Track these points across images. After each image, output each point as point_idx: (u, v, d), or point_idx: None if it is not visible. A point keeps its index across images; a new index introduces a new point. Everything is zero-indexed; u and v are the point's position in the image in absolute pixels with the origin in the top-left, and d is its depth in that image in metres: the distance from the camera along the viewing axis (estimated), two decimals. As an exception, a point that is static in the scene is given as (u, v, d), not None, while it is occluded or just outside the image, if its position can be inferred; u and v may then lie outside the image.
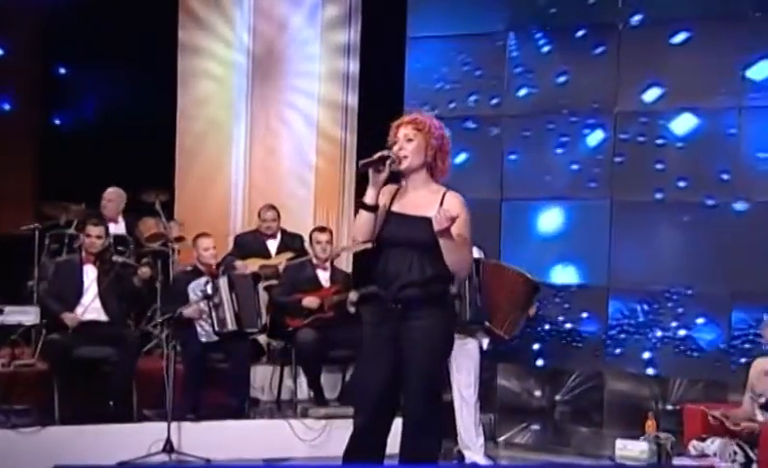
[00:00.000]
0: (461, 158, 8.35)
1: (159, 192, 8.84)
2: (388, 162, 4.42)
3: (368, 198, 4.45)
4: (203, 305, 7.19)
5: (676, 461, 5.15)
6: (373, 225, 4.47)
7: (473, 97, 8.39)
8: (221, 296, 7.27)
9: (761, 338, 6.10)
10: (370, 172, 4.44)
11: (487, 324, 6.77)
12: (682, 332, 7.65)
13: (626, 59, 7.85)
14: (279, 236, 8.59)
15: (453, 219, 4.30)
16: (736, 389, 7.30)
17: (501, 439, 7.44)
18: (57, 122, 11.26)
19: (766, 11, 7.50)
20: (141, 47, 9.76)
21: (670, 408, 7.56)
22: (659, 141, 7.76)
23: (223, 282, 7.32)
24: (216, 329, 7.25)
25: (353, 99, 9.56)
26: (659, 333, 7.72)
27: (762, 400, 5.51)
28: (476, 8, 8.42)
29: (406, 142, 4.49)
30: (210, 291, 7.19)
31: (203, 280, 7.31)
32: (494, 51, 8.33)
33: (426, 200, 4.44)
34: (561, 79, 8.12)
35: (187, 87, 10.12)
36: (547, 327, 8.01)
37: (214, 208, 9.81)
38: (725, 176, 7.56)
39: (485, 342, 6.94)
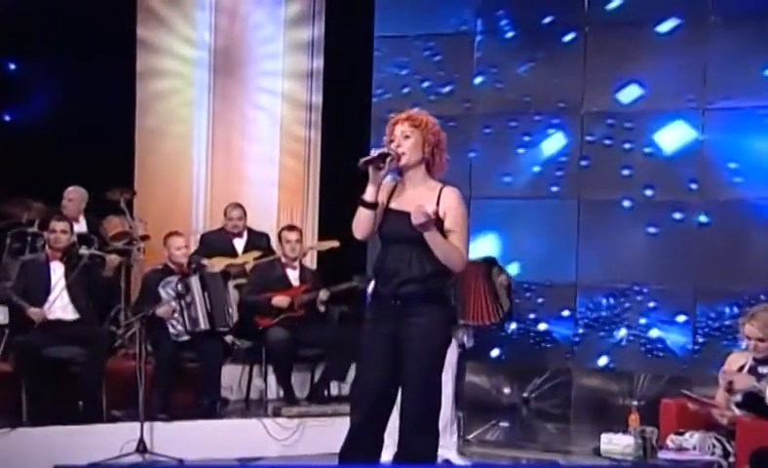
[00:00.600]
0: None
1: (123, 190, 8.74)
2: (388, 159, 4.43)
3: (368, 195, 4.47)
4: (174, 304, 7.14)
5: (662, 455, 5.24)
6: (373, 222, 4.50)
7: (439, 96, 8.46)
8: (193, 295, 7.22)
9: (738, 334, 6.19)
10: (370, 169, 4.45)
11: (461, 321, 6.79)
12: (648, 330, 7.81)
13: (592, 61, 7.99)
14: (245, 235, 8.55)
15: (428, 215, 4.35)
16: (700, 384, 7.50)
17: (471, 436, 7.48)
18: (7, 118, 11.06)
19: (726, 16, 7.71)
20: (98, 43, 9.63)
21: (635, 403, 7.70)
22: (625, 144, 7.91)
23: (195, 280, 7.26)
24: (188, 328, 7.20)
25: (317, 97, 9.54)
26: (624, 331, 7.86)
27: (738, 398, 5.63)
28: (443, 6, 8.49)
29: (404, 139, 4.51)
30: (181, 289, 7.15)
31: (174, 279, 7.25)
32: (461, 50, 8.41)
33: (424, 196, 4.47)
34: (528, 79, 8.24)
35: (146, 84, 9.99)
36: (515, 325, 8.10)
37: (176, 206, 9.72)
38: (690, 177, 7.74)
39: (467, 339, 6.94)
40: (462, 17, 8.47)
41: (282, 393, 7.75)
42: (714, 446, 5.43)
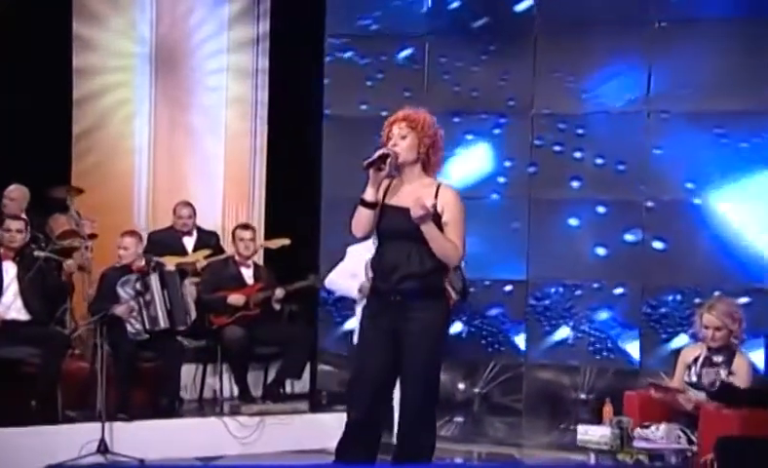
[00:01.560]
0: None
1: (70, 189, 8.61)
2: (388, 160, 4.50)
3: (369, 195, 4.54)
4: (133, 303, 7.08)
5: (636, 444, 5.40)
6: (372, 221, 4.56)
7: (390, 93, 8.54)
8: (153, 294, 7.16)
9: (689, 327, 6.40)
10: (371, 170, 4.51)
11: None
12: (596, 325, 8.03)
13: (541, 63, 8.18)
14: (194, 233, 8.50)
15: (427, 208, 4.44)
16: (646, 376, 7.74)
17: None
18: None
19: (671, 21, 7.98)
20: (33, 41, 9.44)
21: (583, 396, 7.95)
22: (573, 145, 8.12)
23: (155, 279, 7.20)
24: (148, 326, 7.14)
25: (263, 95, 9.49)
26: (572, 327, 8.07)
27: (694, 378, 5.85)
28: (394, 4, 8.59)
29: (400, 139, 4.58)
30: (141, 288, 7.10)
31: (133, 277, 7.18)
32: (413, 54, 8.52)
33: (421, 192, 4.53)
34: (478, 79, 8.38)
35: (84, 82, 9.82)
36: (466, 319, 8.24)
37: (116, 206, 9.56)
38: (635, 174, 7.99)
39: None
40: (413, 15, 8.56)
41: (236, 392, 7.74)
42: (680, 436, 5.62)
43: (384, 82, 8.62)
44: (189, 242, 8.45)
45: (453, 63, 8.44)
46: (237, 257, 7.96)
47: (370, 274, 6.77)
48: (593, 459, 5.36)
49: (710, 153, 7.86)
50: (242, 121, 9.61)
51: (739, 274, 7.77)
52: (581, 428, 5.41)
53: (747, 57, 7.76)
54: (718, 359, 5.87)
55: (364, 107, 8.64)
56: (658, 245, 7.93)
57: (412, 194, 4.52)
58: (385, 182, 4.63)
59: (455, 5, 8.48)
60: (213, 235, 8.68)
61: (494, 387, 8.19)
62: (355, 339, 7.20)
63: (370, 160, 4.51)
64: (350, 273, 7.14)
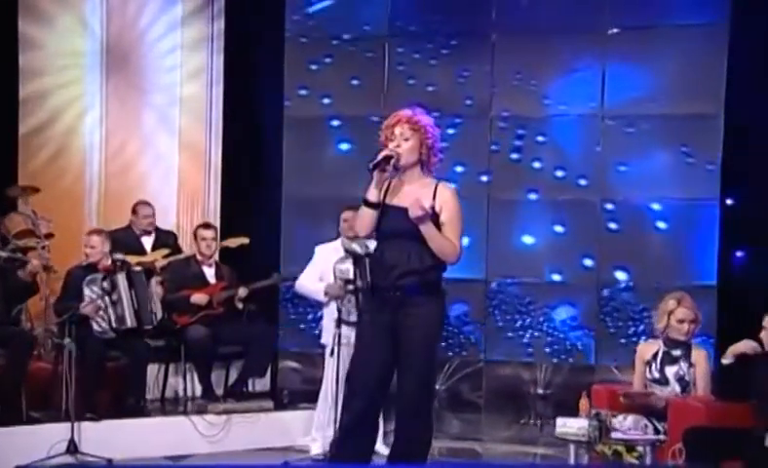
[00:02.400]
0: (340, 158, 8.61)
1: (25, 188, 8.49)
2: (392, 161, 4.59)
3: (372, 196, 4.62)
4: (99, 302, 7.03)
5: (614, 435, 5.55)
6: (375, 220, 4.65)
7: (350, 96, 8.63)
8: (120, 293, 7.11)
9: (643, 323, 6.54)
10: (375, 172, 4.58)
11: None
12: (553, 322, 8.22)
13: (499, 67, 8.35)
14: (153, 233, 8.45)
15: (425, 208, 4.54)
16: (601, 373, 7.98)
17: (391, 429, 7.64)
18: None
19: (622, 27, 8.22)
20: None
21: (540, 392, 8.13)
22: (531, 147, 8.31)
23: (122, 278, 7.15)
24: (114, 325, 7.08)
25: (217, 94, 9.39)
26: (529, 321, 8.25)
27: (656, 375, 6.03)
28: (355, 6, 8.68)
29: (403, 141, 4.66)
30: (107, 287, 7.04)
31: (99, 276, 7.12)
32: (373, 49, 8.61)
33: (420, 192, 4.63)
34: (437, 84, 8.51)
35: (31, 82, 9.65)
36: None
37: (67, 205, 9.41)
38: (590, 176, 8.21)
39: None
40: (374, 17, 8.65)
41: (199, 391, 7.71)
42: (647, 426, 5.80)
43: (343, 82, 8.69)
44: (148, 241, 8.38)
45: (413, 64, 8.55)
46: (199, 257, 7.92)
47: (339, 275, 6.90)
48: (572, 451, 5.48)
49: (662, 155, 8.13)
50: (196, 120, 9.50)
51: (688, 271, 8.05)
52: (559, 421, 5.53)
53: (699, 62, 8.03)
54: (677, 353, 6.03)
55: (323, 107, 8.73)
56: (612, 244, 8.16)
57: (412, 194, 4.61)
58: (385, 183, 4.70)
59: (415, 6, 8.62)
60: (171, 235, 8.64)
61: (455, 384, 8.33)
62: (322, 340, 7.28)
63: (376, 162, 4.59)
64: (317, 276, 7.18)
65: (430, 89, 8.53)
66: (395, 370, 4.70)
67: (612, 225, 8.20)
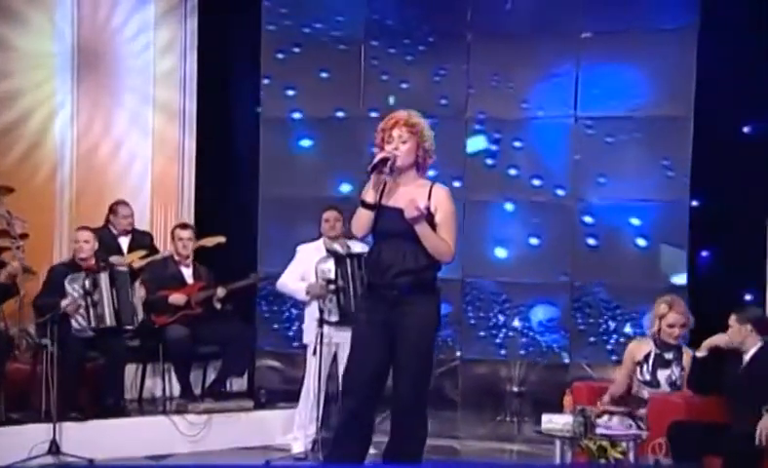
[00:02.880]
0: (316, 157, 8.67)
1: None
2: (389, 164, 4.63)
3: (370, 197, 4.67)
4: (80, 300, 6.99)
5: (598, 431, 5.63)
6: (371, 221, 4.69)
7: (327, 99, 8.65)
8: (101, 292, 7.09)
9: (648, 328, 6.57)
10: (374, 174, 4.62)
11: None
12: (528, 321, 8.31)
13: (475, 68, 8.43)
14: (130, 234, 8.40)
15: (420, 209, 4.59)
16: (575, 371, 8.08)
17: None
18: None
19: (595, 31, 8.33)
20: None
21: (515, 389, 8.22)
22: (506, 148, 8.39)
23: (105, 277, 7.12)
24: (93, 324, 7.05)
25: (191, 96, 9.40)
26: (504, 320, 8.34)
27: (648, 377, 6.14)
28: (330, 9, 8.70)
29: (401, 143, 4.70)
30: (89, 286, 7.02)
31: (82, 274, 7.08)
32: (349, 53, 8.64)
33: (415, 193, 4.68)
34: (414, 84, 8.56)
35: (2, 82, 9.50)
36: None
37: (38, 206, 9.29)
38: (563, 178, 8.31)
39: None
40: (350, 19, 8.68)
41: (177, 391, 7.69)
42: (631, 425, 5.90)
43: (320, 80, 8.71)
44: (124, 242, 8.32)
45: (389, 63, 8.61)
46: (176, 257, 7.91)
47: (320, 275, 6.94)
48: (557, 446, 5.55)
49: (633, 156, 8.25)
50: (170, 120, 9.43)
51: (659, 271, 8.18)
52: (545, 417, 5.59)
53: (669, 65, 8.15)
54: (669, 356, 6.14)
55: (299, 106, 8.77)
56: (585, 244, 8.26)
57: (408, 195, 4.66)
58: (381, 184, 4.72)
59: (392, 8, 8.66)
60: (147, 235, 8.60)
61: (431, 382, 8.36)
62: (304, 339, 7.31)
63: (373, 164, 4.63)
64: (299, 275, 7.21)
65: (404, 87, 8.56)
66: (390, 369, 4.74)
67: (586, 224, 8.29)
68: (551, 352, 8.23)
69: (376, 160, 4.65)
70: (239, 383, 8.15)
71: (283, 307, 8.57)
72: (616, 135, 8.24)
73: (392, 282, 4.64)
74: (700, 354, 5.89)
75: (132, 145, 9.46)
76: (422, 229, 4.60)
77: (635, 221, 8.22)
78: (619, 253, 8.23)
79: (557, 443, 5.52)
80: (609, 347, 8.11)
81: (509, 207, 8.42)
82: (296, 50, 8.76)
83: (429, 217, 4.65)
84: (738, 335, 5.79)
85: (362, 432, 4.79)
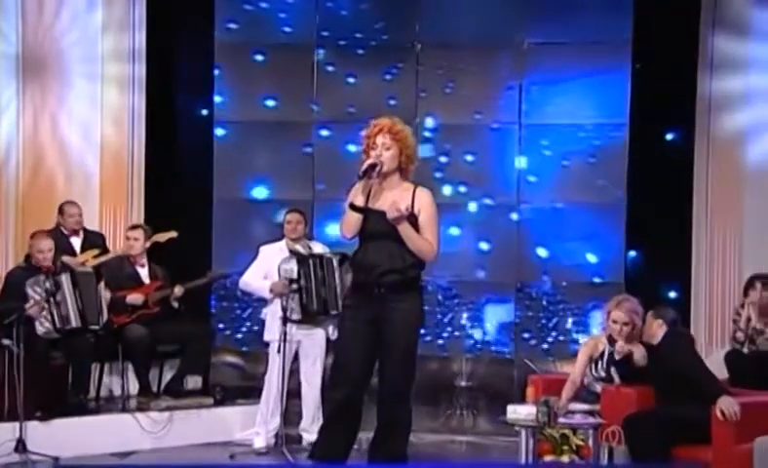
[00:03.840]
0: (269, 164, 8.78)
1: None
2: (376, 169, 4.78)
3: (359, 201, 4.82)
4: (43, 302, 6.97)
5: (561, 420, 5.86)
6: (359, 223, 4.85)
7: (280, 103, 8.78)
8: (64, 293, 7.05)
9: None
10: (363, 179, 4.77)
11: (333, 312, 7.15)
12: (475, 318, 8.57)
13: (423, 76, 8.65)
14: (81, 233, 8.36)
15: (401, 211, 4.77)
16: (519, 366, 8.36)
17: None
18: None
19: (538, 42, 8.64)
20: None
21: (464, 384, 8.46)
22: (452, 153, 8.66)
23: (66, 279, 7.10)
24: (59, 325, 7.02)
25: (140, 101, 9.35)
26: (451, 318, 8.60)
27: (602, 373, 6.40)
28: (283, 17, 8.86)
29: (385, 150, 4.86)
30: (51, 288, 6.99)
31: (42, 277, 7.05)
32: (301, 60, 8.80)
33: (400, 196, 4.84)
34: (363, 90, 8.76)
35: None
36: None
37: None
38: (507, 181, 8.61)
39: (331, 330, 7.27)
40: (302, 24, 8.85)
41: (136, 389, 7.69)
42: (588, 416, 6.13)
43: (274, 88, 8.84)
44: (76, 242, 8.26)
45: (342, 73, 8.77)
46: (131, 258, 7.92)
47: (283, 274, 7.04)
48: (523, 435, 5.75)
49: (573, 162, 8.60)
50: (117, 124, 9.36)
51: (599, 270, 8.54)
52: (510, 407, 5.78)
53: (605, 76, 8.53)
54: (618, 352, 6.40)
55: (252, 110, 8.93)
56: (530, 247, 8.57)
57: (393, 198, 4.82)
58: (366, 188, 4.88)
59: (344, 16, 8.84)
60: (99, 236, 8.54)
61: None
62: (265, 337, 7.40)
63: (363, 170, 4.78)
64: (262, 274, 7.29)
65: (355, 96, 8.76)
66: (375, 362, 4.90)
67: (529, 226, 8.60)
68: (496, 348, 8.51)
69: (366, 166, 4.80)
70: (194, 381, 8.16)
71: (235, 305, 8.66)
72: (557, 141, 8.56)
73: (379, 280, 4.79)
74: (617, 356, 6.24)
75: (79, 147, 9.38)
76: (404, 230, 4.77)
77: (576, 223, 8.56)
78: (561, 255, 8.55)
79: (523, 432, 5.72)
80: (551, 344, 8.42)
81: (456, 209, 8.65)
82: (249, 55, 8.86)
83: (413, 219, 4.82)
84: (650, 332, 6.17)
85: (350, 422, 4.93)
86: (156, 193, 9.25)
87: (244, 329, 8.67)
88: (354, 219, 4.86)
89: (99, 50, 9.36)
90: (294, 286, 6.98)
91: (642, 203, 8.67)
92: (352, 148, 8.61)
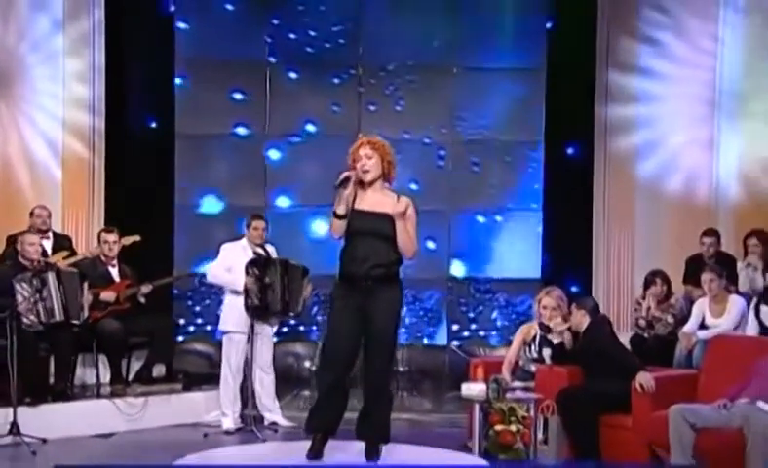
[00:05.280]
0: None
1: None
2: (351, 181, 5.07)
3: (341, 210, 5.05)
4: (31, 299, 7.02)
5: (509, 396, 6.26)
6: (345, 226, 5.09)
7: (234, 117, 9.02)
8: (50, 290, 7.09)
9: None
10: (340, 189, 5.05)
11: (292, 312, 7.42)
12: (411, 310, 8.96)
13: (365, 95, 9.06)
14: (51, 236, 8.39)
15: (403, 209, 5.11)
16: (451, 351, 8.79)
17: (281, 403, 7.99)
18: None
19: (465, 67, 9.11)
20: None
21: (401, 369, 8.83)
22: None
23: (51, 276, 7.16)
24: (44, 319, 7.07)
25: (99, 118, 9.36)
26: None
27: (534, 354, 6.84)
28: (239, 38, 9.12)
29: (368, 159, 5.15)
30: (38, 284, 7.05)
31: (29, 274, 7.10)
32: (256, 79, 9.09)
33: (384, 201, 5.12)
34: (313, 108, 9.12)
35: None
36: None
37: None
38: (439, 188, 9.14)
39: (275, 324, 7.55)
40: (255, 44, 9.18)
41: (107, 378, 7.77)
42: (526, 390, 6.53)
43: (229, 102, 9.10)
44: (47, 244, 8.29)
45: (292, 90, 9.07)
46: (103, 258, 8.00)
47: (251, 273, 7.22)
48: (476, 409, 6.13)
49: (500, 175, 9.13)
50: (78, 137, 9.37)
51: (519, 268, 9.07)
52: (464, 385, 6.15)
53: (523, 99, 9.08)
54: (551, 337, 6.82)
55: (212, 124, 9.20)
56: (459, 245, 9.04)
57: (378, 201, 5.10)
58: (350, 198, 5.11)
59: (293, 39, 9.18)
60: (67, 238, 8.57)
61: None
62: (220, 326, 7.59)
63: (339, 182, 5.05)
64: (226, 267, 7.48)
65: (306, 111, 9.10)
66: (360, 346, 5.18)
67: (457, 229, 9.06)
68: (431, 336, 8.93)
69: (342, 178, 5.06)
70: (158, 369, 8.27)
71: (195, 301, 8.83)
72: (483, 154, 9.06)
73: (367, 273, 5.03)
74: (557, 335, 6.71)
75: (43, 158, 9.40)
76: (402, 225, 5.07)
77: (500, 226, 9.10)
78: (487, 253, 9.04)
79: (476, 405, 6.09)
80: (476, 331, 8.88)
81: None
82: (204, 71, 9.11)
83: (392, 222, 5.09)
84: (576, 320, 6.62)
85: (339, 400, 5.13)
86: (117, 199, 9.34)
87: (200, 322, 8.84)
88: (339, 225, 5.07)
89: (61, 69, 9.39)
90: (258, 283, 7.18)
91: (553, 210, 9.24)
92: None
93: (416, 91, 9.10)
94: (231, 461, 5.70)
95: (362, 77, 9.11)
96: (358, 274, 5.07)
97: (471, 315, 8.94)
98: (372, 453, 5.12)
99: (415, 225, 5.19)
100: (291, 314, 7.40)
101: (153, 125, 9.36)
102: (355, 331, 5.09)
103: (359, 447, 5.22)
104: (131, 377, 7.85)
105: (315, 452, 5.08)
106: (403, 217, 5.06)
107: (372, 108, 9.11)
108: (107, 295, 7.75)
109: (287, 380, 8.53)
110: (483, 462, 5.59)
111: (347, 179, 5.09)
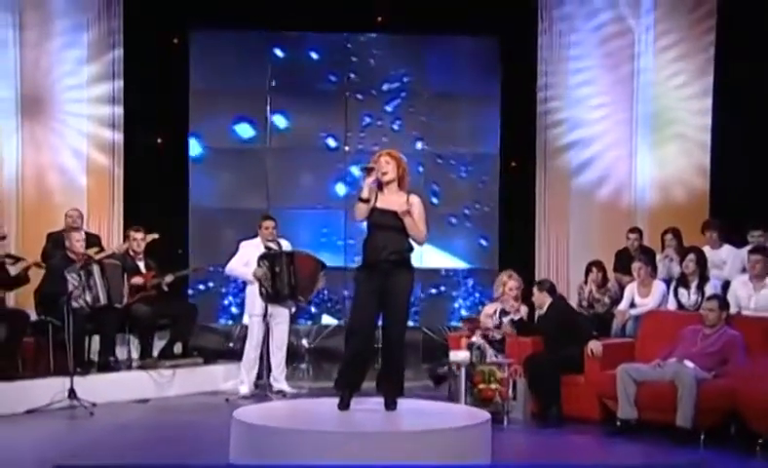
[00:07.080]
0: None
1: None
2: (374, 172, 5.46)
3: (364, 194, 5.42)
4: (80, 286, 7.38)
5: (488, 359, 6.82)
6: (368, 210, 5.46)
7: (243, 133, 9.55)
8: (95, 279, 7.47)
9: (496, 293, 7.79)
10: (364, 174, 5.44)
11: (301, 298, 7.89)
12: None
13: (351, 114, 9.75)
14: (84, 234, 8.67)
15: (409, 208, 5.47)
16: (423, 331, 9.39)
17: (284, 374, 8.34)
18: None
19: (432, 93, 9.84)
20: None
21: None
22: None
23: (96, 268, 7.52)
24: (90, 303, 7.42)
25: (118, 133, 9.71)
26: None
27: (497, 322, 7.41)
28: (243, 65, 9.74)
29: (386, 164, 5.60)
30: (84, 275, 7.42)
31: (77, 266, 7.44)
32: (258, 98, 9.72)
33: (398, 201, 5.50)
34: (307, 128, 9.77)
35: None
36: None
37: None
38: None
39: (293, 308, 7.99)
40: (259, 75, 9.75)
41: (136, 354, 8.08)
42: (497, 355, 7.08)
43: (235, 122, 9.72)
44: (81, 241, 8.62)
45: (290, 115, 9.66)
46: (131, 253, 8.33)
47: (263, 265, 7.67)
48: (462, 372, 6.67)
49: (463, 182, 9.84)
50: (102, 152, 9.71)
51: (471, 259, 9.79)
52: (451, 353, 6.70)
53: (482, 121, 9.83)
54: (508, 309, 7.47)
55: (220, 139, 9.74)
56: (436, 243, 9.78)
57: (393, 201, 5.51)
58: (373, 193, 5.48)
59: (290, 68, 9.84)
60: (96, 237, 8.87)
61: (321, 341, 9.52)
62: (246, 310, 8.04)
63: (365, 165, 5.48)
64: (243, 262, 7.91)
65: (302, 132, 9.76)
66: (380, 319, 5.59)
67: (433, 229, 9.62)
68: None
69: (368, 166, 5.48)
70: (177, 347, 8.59)
71: (214, 289, 9.32)
72: (450, 164, 9.81)
73: (386, 258, 5.42)
74: (516, 318, 7.35)
75: (71, 168, 9.71)
76: (409, 220, 5.47)
77: (456, 227, 9.84)
78: (451, 246, 9.75)
79: (462, 369, 6.65)
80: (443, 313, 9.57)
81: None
82: (217, 101, 9.71)
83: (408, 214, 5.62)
84: (538, 299, 7.24)
85: (364, 363, 5.52)
86: (136, 204, 9.70)
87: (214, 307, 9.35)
88: (363, 208, 5.44)
89: (86, 94, 9.73)
90: (269, 273, 7.66)
91: (505, 214, 9.93)
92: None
93: (395, 110, 9.84)
94: (285, 412, 5.93)
95: (348, 99, 9.81)
96: (377, 260, 5.45)
97: (441, 301, 9.66)
98: (391, 405, 5.56)
99: (422, 215, 5.56)
100: (301, 299, 7.84)
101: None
102: (374, 306, 5.46)
103: (379, 400, 5.60)
104: (155, 353, 8.22)
105: (344, 405, 5.52)
106: (410, 214, 5.46)
107: (356, 125, 9.81)
108: (137, 280, 8.05)
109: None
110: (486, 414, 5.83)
111: (371, 169, 5.50)
